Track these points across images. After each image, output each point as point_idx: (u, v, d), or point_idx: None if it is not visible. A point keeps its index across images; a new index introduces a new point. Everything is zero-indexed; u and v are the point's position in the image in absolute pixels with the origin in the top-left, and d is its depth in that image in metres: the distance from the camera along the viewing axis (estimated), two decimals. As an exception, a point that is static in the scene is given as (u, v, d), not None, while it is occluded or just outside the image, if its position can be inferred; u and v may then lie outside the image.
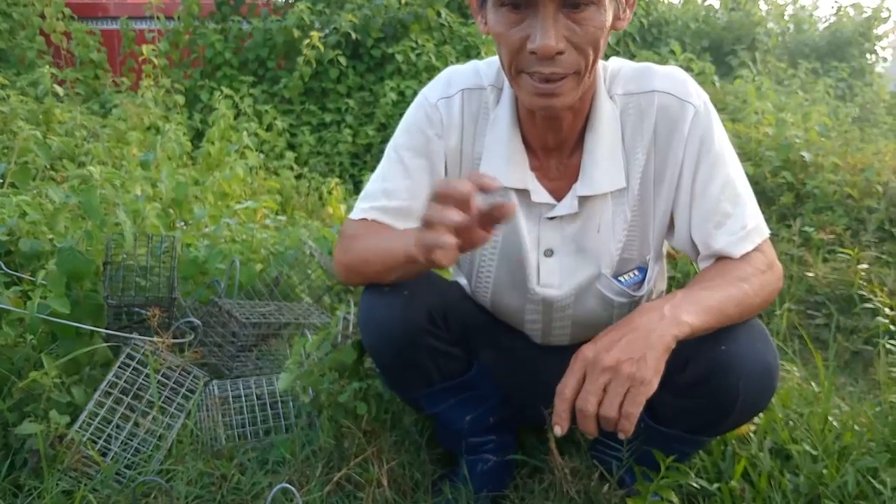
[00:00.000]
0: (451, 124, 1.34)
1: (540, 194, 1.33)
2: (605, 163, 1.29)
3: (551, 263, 1.36)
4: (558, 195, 1.33)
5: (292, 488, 1.27)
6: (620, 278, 1.38)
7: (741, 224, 1.27)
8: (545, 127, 1.29)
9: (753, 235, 1.28)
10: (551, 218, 1.34)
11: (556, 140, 1.31)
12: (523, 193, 1.33)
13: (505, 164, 1.31)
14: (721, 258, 1.28)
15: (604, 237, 1.34)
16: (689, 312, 1.11)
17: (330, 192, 3.73)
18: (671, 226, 1.36)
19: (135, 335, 1.75)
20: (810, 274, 3.02)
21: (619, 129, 1.29)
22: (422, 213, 0.95)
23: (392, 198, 1.34)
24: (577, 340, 1.38)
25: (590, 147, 1.29)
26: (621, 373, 1.02)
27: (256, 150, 3.96)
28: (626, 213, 1.33)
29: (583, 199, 1.31)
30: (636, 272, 1.39)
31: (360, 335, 1.42)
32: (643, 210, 1.34)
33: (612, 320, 1.40)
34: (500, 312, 1.49)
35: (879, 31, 7.68)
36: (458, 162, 1.37)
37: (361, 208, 1.36)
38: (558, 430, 1.07)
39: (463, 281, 1.52)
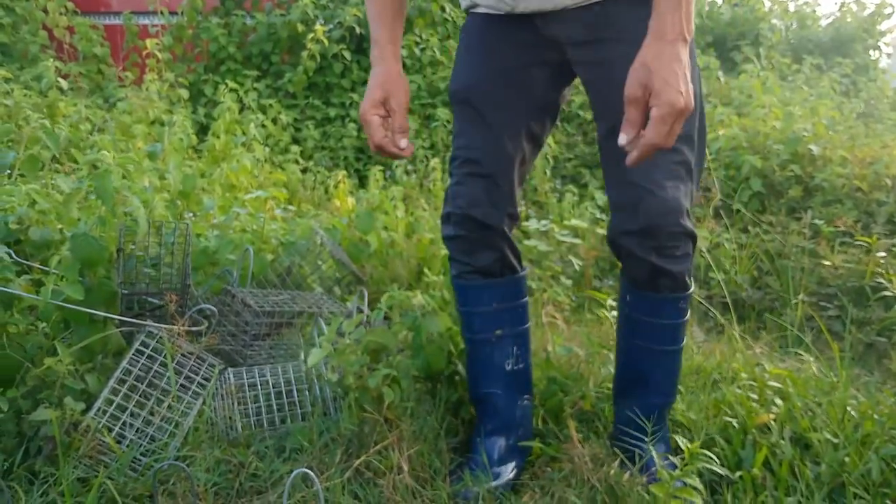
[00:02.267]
0: None
1: None
2: None
3: None
4: None
5: (311, 473, 1.25)
6: None
7: None
8: None
9: None
10: None
11: None
12: None
13: None
14: None
15: None
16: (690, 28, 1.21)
17: (336, 186, 3.71)
18: None
19: (149, 322, 1.73)
20: (827, 263, 3.01)
21: None
22: None
23: None
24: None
25: None
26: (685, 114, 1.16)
27: (262, 144, 3.94)
28: None
29: None
30: None
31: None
32: None
33: None
34: None
35: (883, 27, 7.66)
36: None
37: None
38: (623, 138, 1.17)
39: None
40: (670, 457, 1.61)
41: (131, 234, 1.87)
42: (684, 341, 1.64)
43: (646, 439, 1.51)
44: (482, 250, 1.57)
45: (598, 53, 1.44)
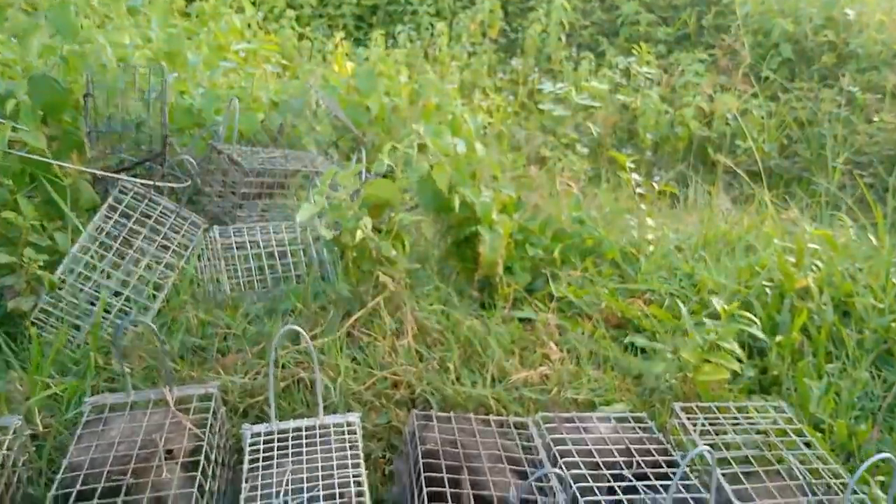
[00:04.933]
0: None
1: None
2: None
3: None
4: None
5: (300, 330, 1.09)
6: None
7: None
8: None
9: None
10: None
11: None
12: None
13: None
14: None
15: None
16: None
17: (334, 49, 3.44)
18: None
19: (122, 176, 1.55)
20: (863, 129, 2.81)
21: None
22: None
23: None
24: None
25: None
26: None
27: (253, 4, 3.65)
28: None
29: None
30: None
31: None
32: None
33: None
34: None
35: None
36: None
37: None
38: None
39: None
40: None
41: (101, 73, 1.66)
42: None
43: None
44: None
45: None
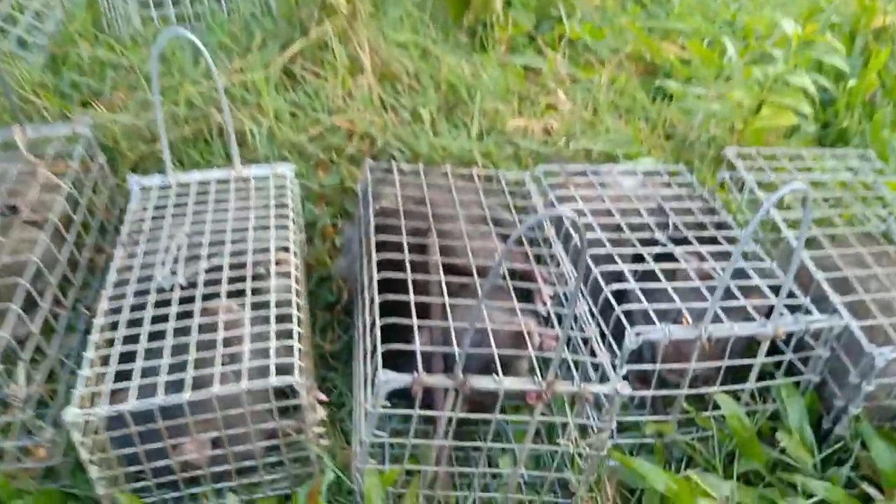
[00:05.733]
0: None
1: None
2: None
3: None
4: None
5: (188, 33, 0.75)
6: None
7: None
8: None
9: None
10: None
11: None
12: None
13: None
14: None
15: None
16: None
17: None
18: None
19: None
20: None
21: None
22: None
23: None
24: None
25: None
26: None
27: None
28: None
29: None
30: None
31: None
32: None
33: None
34: None
35: None
36: None
37: None
38: None
39: None
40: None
41: None
42: None
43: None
44: None
45: None
